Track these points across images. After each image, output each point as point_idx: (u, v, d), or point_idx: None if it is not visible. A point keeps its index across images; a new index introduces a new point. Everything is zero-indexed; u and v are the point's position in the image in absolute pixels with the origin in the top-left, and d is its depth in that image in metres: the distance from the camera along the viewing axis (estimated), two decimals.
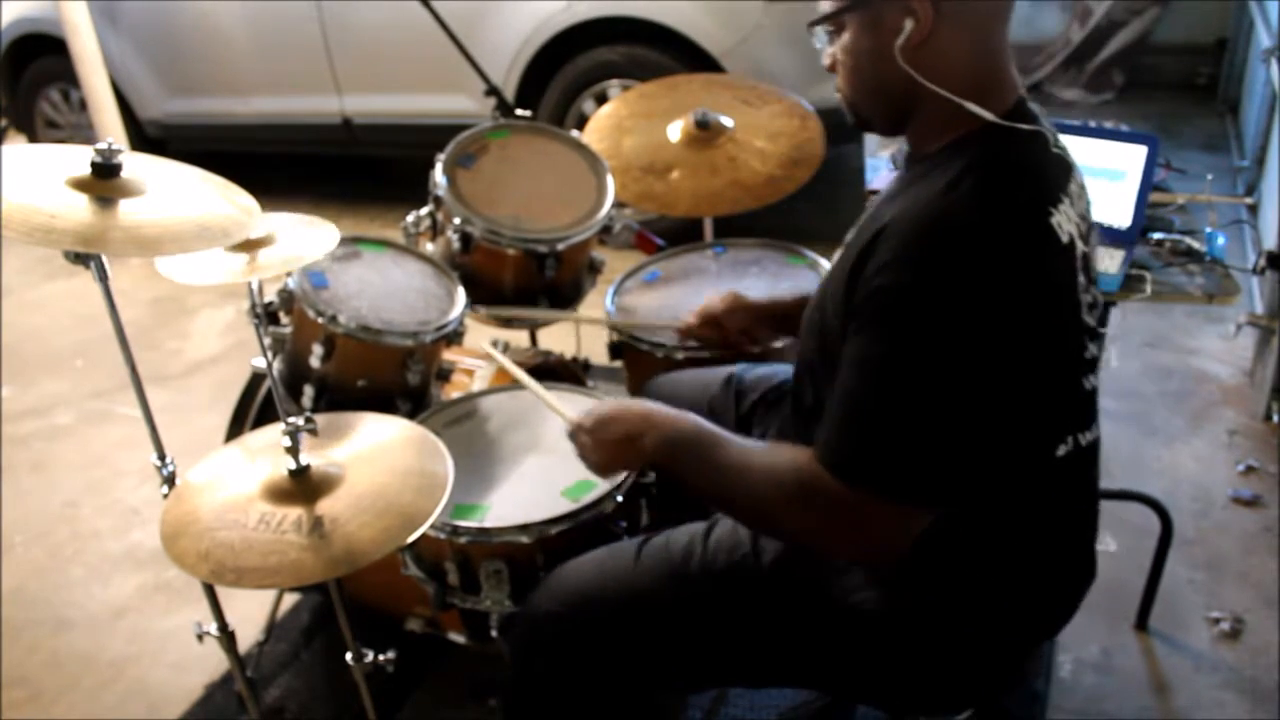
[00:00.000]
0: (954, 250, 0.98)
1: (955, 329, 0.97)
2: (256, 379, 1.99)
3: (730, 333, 1.72)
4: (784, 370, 1.56)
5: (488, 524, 1.44)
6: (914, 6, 1.03)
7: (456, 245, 1.94)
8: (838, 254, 1.20)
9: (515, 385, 1.83)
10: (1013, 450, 1.06)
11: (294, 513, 1.23)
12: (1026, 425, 1.06)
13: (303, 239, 1.53)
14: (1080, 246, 1.05)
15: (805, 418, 1.25)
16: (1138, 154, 1.75)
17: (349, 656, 1.43)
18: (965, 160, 1.03)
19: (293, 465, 1.28)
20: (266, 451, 1.35)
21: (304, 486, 1.27)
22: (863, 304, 1.02)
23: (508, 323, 2.09)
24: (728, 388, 1.59)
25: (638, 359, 1.93)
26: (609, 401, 1.30)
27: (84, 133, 4.44)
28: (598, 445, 1.24)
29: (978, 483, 1.05)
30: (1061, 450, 1.10)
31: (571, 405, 1.39)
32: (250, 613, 1.98)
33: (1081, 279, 1.06)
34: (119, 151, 1.26)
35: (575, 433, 1.27)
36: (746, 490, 1.11)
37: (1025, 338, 1.00)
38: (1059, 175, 1.07)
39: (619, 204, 2.12)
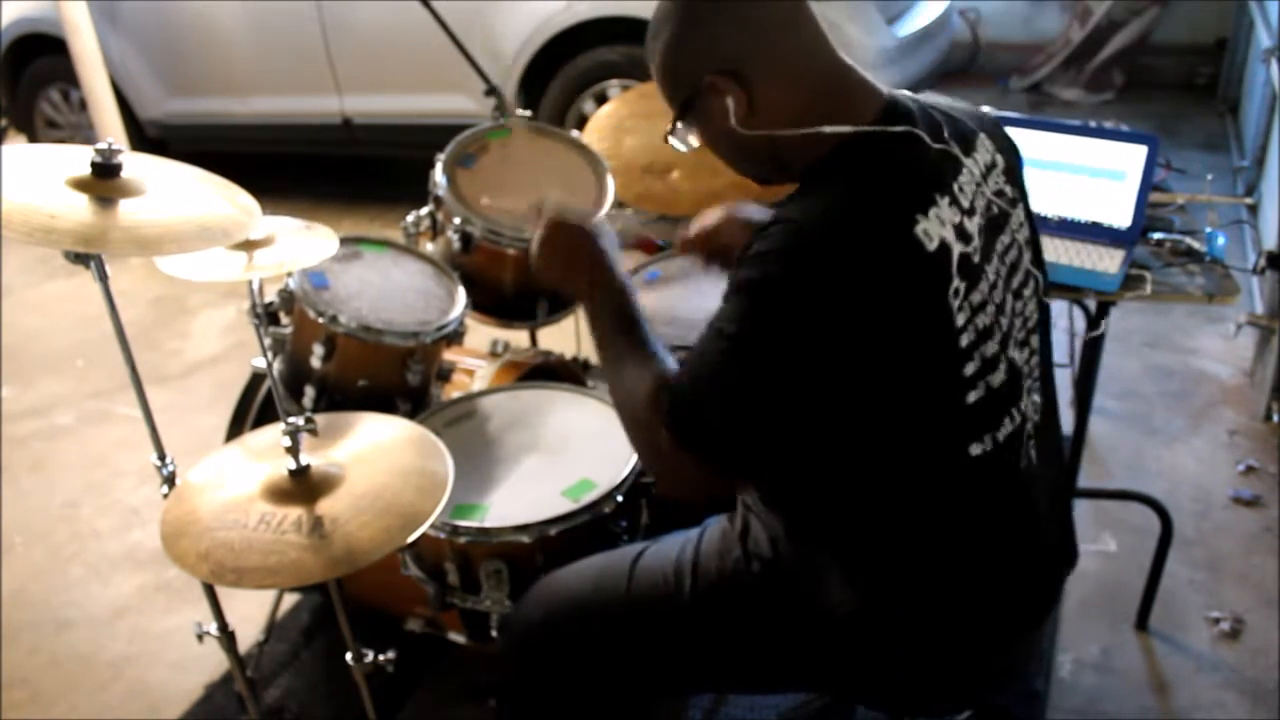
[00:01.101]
0: (809, 252, 0.98)
1: (796, 329, 0.98)
2: (257, 379, 1.99)
3: (726, 247, 1.70)
4: None
5: (488, 524, 1.44)
6: (720, 88, 1.07)
7: (456, 245, 1.94)
8: None
9: (515, 385, 1.84)
10: (893, 452, 1.07)
11: (294, 513, 1.23)
12: (897, 429, 1.05)
13: (302, 243, 1.53)
14: (958, 248, 1.02)
15: None
16: (1138, 154, 1.75)
17: (349, 656, 1.43)
18: (826, 172, 1.05)
19: (293, 465, 1.28)
20: (267, 451, 1.35)
21: (304, 486, 1.27)
22: (728, 296, 1.04)
23: (508, 322, 2.09)
24: None
25: None
26: (578, 214, 1.29)
27: (84, 133, 4.44)
28: (545, 243, 1.26)
29: (778, 472, 1.11)
30: (976, 450, 1.08)
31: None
32: (250, 613, 1.98)
33: (958, 283, 1.02)
34: (119, 151, 1.26)
35: (540, 222, 1.28)
36: (617, 383, 1.15)
37: (877, 348, 0.99)
38: (936, 174, 1.05)
39: (619, 204, 2.12)
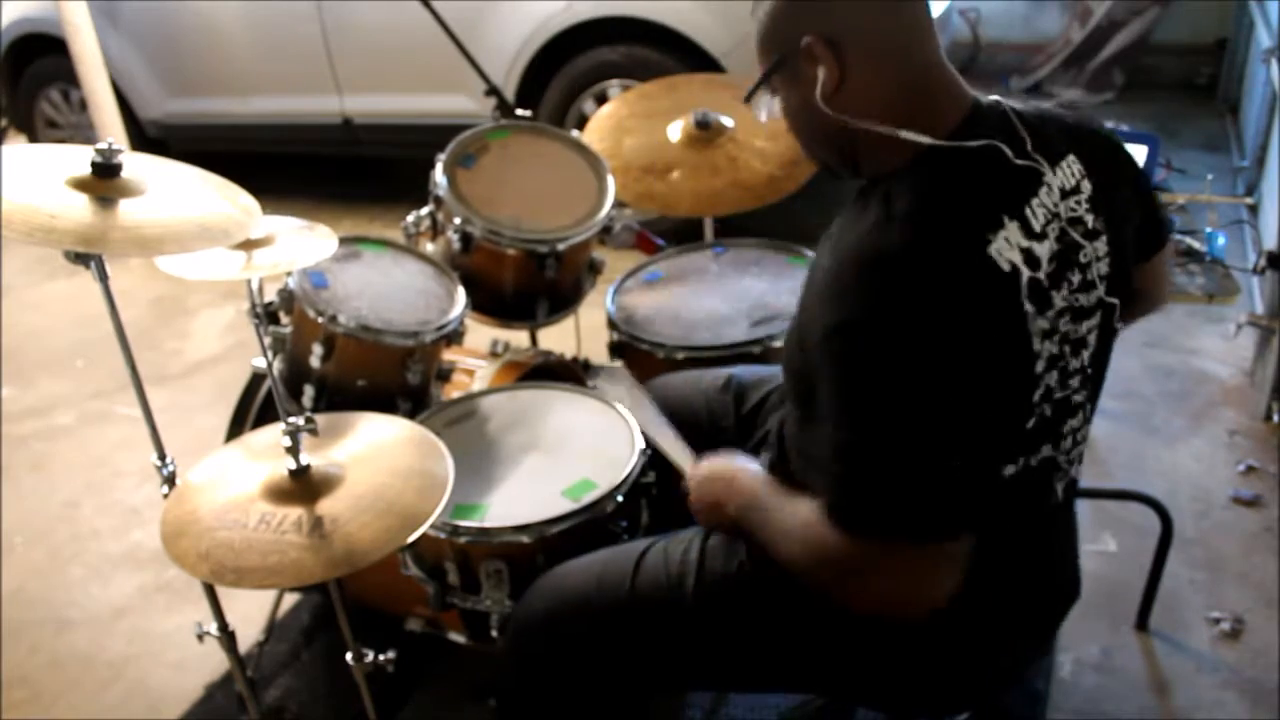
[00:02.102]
0: (889, 285, 0.96)
1: (905, 360, 0.95)
2: (256, 379, 1.99)
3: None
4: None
5: (488, 524, 1.44)
6: (817, 54, 1.04)
7: (456, 245, 1.94)
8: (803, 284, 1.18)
9: (515, 385, 1.84)
10: (978, 480, 1.03)
11: (294, 513, 1.23)
12: (976, 450, 1.02)
13: (302, 242, 1.53)
14: (1026, 272, 1.00)
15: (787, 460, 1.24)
16: (1138, 154, 1.75)
17: (349, 656, 1.43)
18: (901, 189, 1.02)
19: (293, 465, 1.28)
20: (267, 451, 1.35)
21: (304, 486, 1.27)
22: (820, 347, 1.01)
23: (508, 322, 2.09)
24: (726, 390, 1.58)
25: (638, 359, 1.93)
26: (709, 462, 1.33)
27: (84, 133, 4.44)
28: (699, 506, 1.30)
29: (983, 500, 1.02)
30: (1009, 470, 1.07)
31: (683, 454, 1.45)
32: (250, 613, 1.98)
33: (1029, 307, 1.00)
34: (119, 151, 1.26)
35: (688, 489, 1.33)
36: (790, 557, 1.10)
37: (964, 368, 0.97)
38: (1012, 192, 1.03)
39: (619, 204, 2.12)
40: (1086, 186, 1.09)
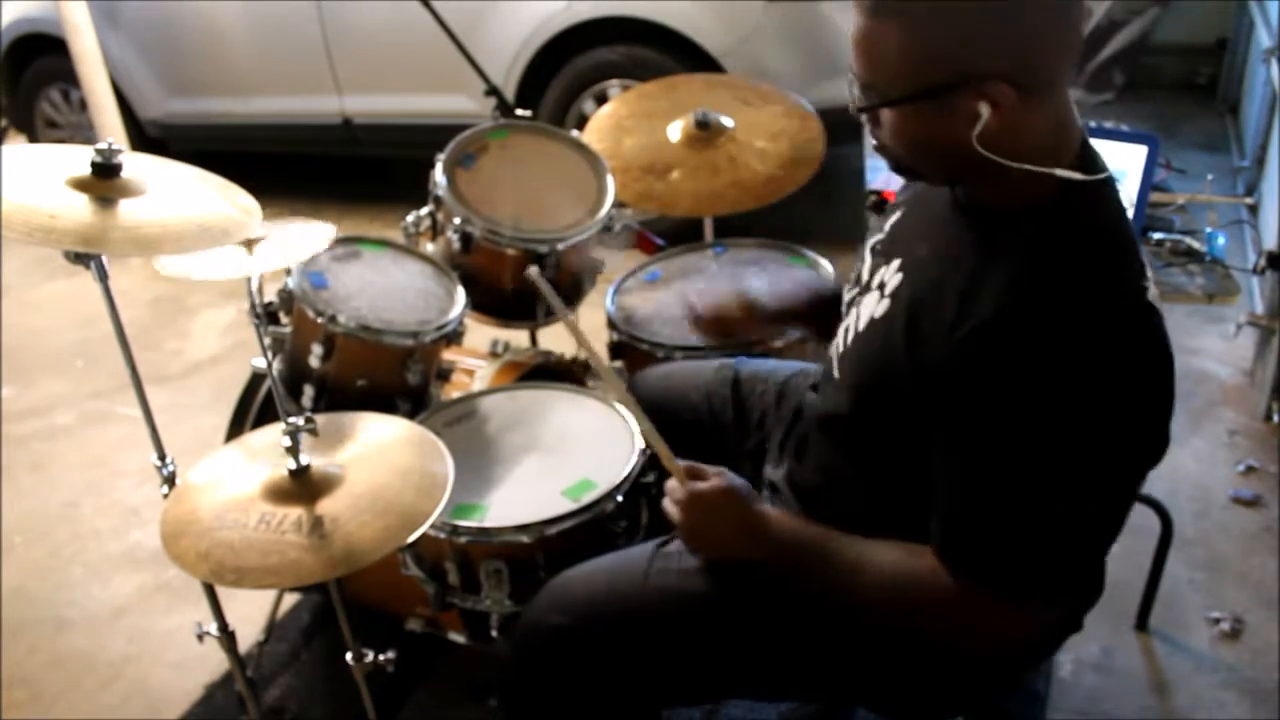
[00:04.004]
0: (1071, 338, 0.91)
1: (1083, 423, 0.91)
2: (256, 379, 1.99)
3: (738, 336, 1.69)
4: (785, 368, 1.55)
5: (488, 524, 1.44)
6: (994, 95, 0.91)
7: (456, 245, 1.94)
8: (876, 306, 1.12)
9: (515, 385, 1.84)
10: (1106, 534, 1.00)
11: (294, 513, 1.23)
12: (1120, 508, 1.00)
13: (302, 241, 1.53)
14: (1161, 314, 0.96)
15: (826, 468, 1.21)
16: (1138, 154, 1.75)
17: (349, 656, 1.43)
18: (1054, 231, 0.96)
19: (293, 465, 1.28)
20: (267, 451, 1.35)
21: (304, 486, 1.27)
22: (972, 391, 0.94)
23: (508, 322, 2.09)
24: (724, 382, 1.56)
25: (638, 359, 1.93)
26: (709, 484, 1.18)
27: (84, 133, 4.44)
28: (696, 535, 1.19)
29: (1099, 571, 1.00)
30: None
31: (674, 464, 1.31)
32: (250, 613, 1.98)
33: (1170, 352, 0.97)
34: (119, 151, 1.26)
35: (673, 504, 1.20)
36: (863, 598, 1.06)
37: (1146, 425, 0.94)
38: (1132, 230, 0.99)
39: (619, 204, 2.12)
40: None
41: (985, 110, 0.92)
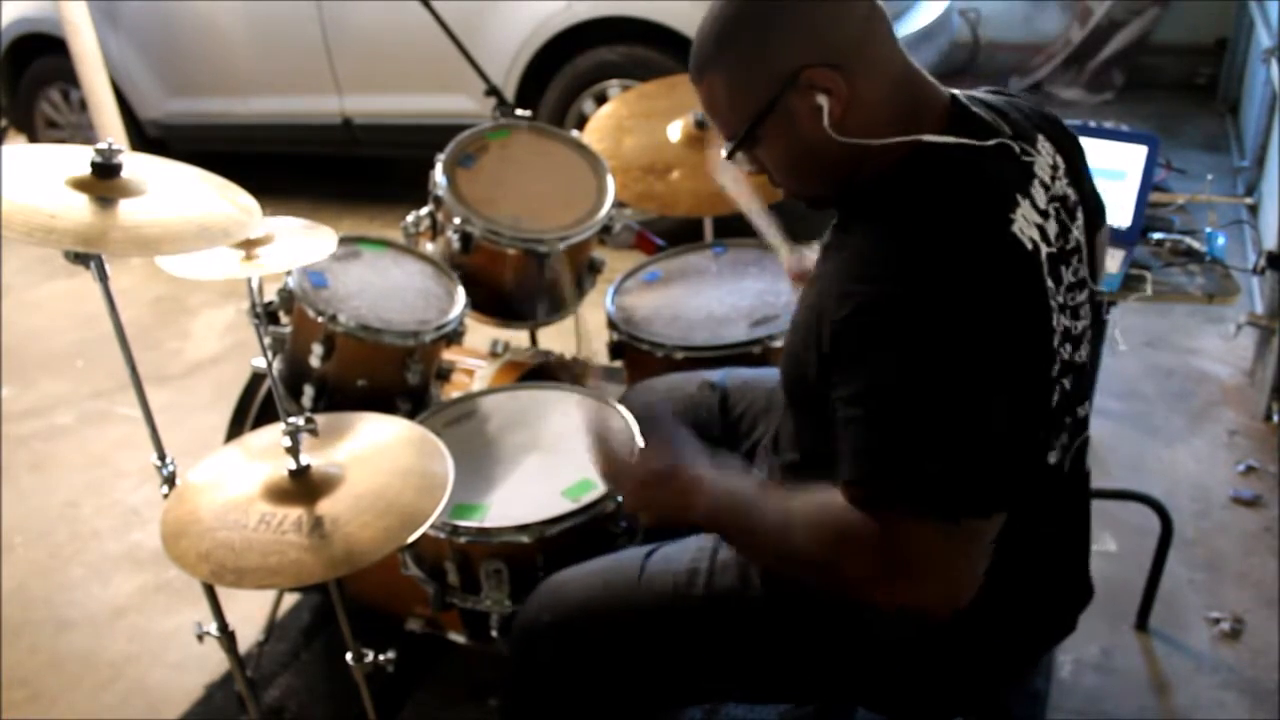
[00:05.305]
0: (921, 264, 0.96)
1: (938, 335, 0.94)
2: (256, 379, 1.99)
3: None
4: (775, 375, 1.55)
5: (487, 524, 1.44)
6: (824, 85, 1.00)
7: (456, 245, 1.94)
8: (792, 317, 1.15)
9: (515, 385, 1.84)
10: (1016, 458, 1.02)
11: (294, 513, 1.23)
12: (1020, 434, 1.02)
13: (302, 242, 1.53)
14: (1044, 248, 1.02)
15: (790, 466, 1.21)
16: (1138, 154, 1.75)
17: (349, 656, 1.43)
18: (914, 184, 1.01)
19: (293, 465, 1.28)
20: (267, 451, 1.35)
21: (304, 487, 1.27)
22: (844, 326, 0.98)
23: (508, 322, 2.08)
24: (712, 394, 1.56)
25: (638, 359, 1.93)
26: (648, 462, 1.16)
27: (84, 133, 4.44)
28: (639, 495, 1.17)
29: (1014, 483, 1.00)
30: (1053, 458, 1.08)
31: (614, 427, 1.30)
32: (250, 613, 1.98)
33: (1050, 284, 1.02)
34: (119, 151, 1.26)
35: (611, 470, 1.19)
36: (793, 553, 1.04)
37: (1006, 349, 0.97)
38: (1015, 174, 1.04)
39: (619, 204, 2.12)
40: (1061, 163, 1.12)
41: (823, 100, 1.01)
